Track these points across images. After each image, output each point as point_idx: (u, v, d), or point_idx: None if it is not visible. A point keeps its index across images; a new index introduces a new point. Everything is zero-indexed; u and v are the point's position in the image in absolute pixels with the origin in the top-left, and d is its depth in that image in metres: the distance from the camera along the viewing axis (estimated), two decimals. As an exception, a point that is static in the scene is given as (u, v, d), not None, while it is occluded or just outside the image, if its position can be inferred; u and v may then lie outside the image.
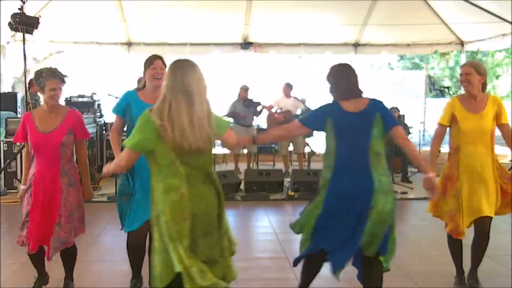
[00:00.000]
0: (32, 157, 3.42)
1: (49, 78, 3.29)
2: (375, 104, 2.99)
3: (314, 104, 8.74)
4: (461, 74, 3.59)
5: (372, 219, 2.85)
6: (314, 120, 3.09)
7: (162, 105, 2.47)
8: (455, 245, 3.72)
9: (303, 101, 8.86)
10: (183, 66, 2.53)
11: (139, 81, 8.15)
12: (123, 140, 2.76)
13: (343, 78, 3.03)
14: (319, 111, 3.07)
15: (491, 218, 3.56)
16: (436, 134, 3.71)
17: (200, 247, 2.49)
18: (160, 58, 3.45)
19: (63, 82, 3.37)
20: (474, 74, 3.52)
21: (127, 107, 3.41)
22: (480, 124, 3.51)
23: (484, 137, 3.52)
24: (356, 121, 2.94)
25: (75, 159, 3.57)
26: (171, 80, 2.50)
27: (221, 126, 2.66)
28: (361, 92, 3.04)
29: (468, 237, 3.64)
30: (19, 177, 7.24)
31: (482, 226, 3.59)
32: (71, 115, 3.45)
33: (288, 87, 8.76)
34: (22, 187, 3.46)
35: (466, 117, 3.55)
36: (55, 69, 3.39)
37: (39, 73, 3.34)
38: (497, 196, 3.56)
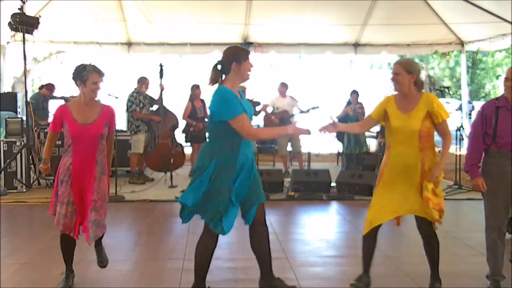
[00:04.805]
0: (68, 147, 3.58)
1: (93, 72, 3.50)
2: None
3: (311, 104, 8.75)
4: (392, 73, 3.53)
5: None
6: None
7: None
8: (366, 241, 3.64)
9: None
10: None
11: (139, 81, 8.26)
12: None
13: None
14: None
15: (427, 219, 3.44)
16: (363, 120, 3.80)
17: None
18: None
19: (103, 78, 3.57)
20: (403, 73, 3.44)
21: None
22: (408, 124, 3.42)
23: (412, 138, 3.41)
24: None
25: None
26: None
27: None
28: None
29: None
30: (19, 177, 7.24)
31: (422, 230, 3.55)
32: (107, 109, 3.66)
33: (284, 86, 8.72)
34: (41, 165, 3.72)
35: (396, 115, 3.49)
36: (96, 65, 3.58)
37: (82, 67, 3.54)
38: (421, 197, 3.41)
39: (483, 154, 3.68)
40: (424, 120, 3.41)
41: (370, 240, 3.59)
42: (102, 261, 3.91)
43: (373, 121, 3.65)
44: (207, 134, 3.46)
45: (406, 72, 3.44)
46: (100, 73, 3.55)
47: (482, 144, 3.66)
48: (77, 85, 3.56)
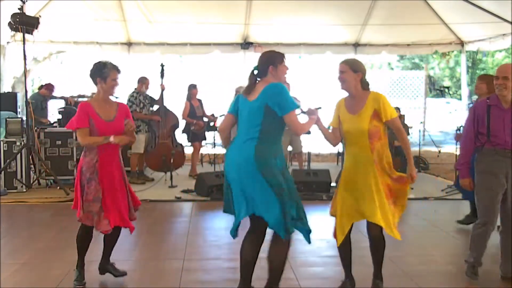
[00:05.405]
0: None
1: (113, 70, 3.61)
2: None
3: (312, 105, 8.74)
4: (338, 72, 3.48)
5: None
6: None
7: None
8: (342, 250, 3.57)
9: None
10: None
11: (139, 81, 8.26)
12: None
13: None
14: None
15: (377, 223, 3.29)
16: (332, 133, 3.63)
17: None
18: None
19: (119, 75, 3.70)
20: (349, 72, 3.38)
21: None
22: (357, 125, 3.36)
23: (362, 139, 3.35)
24: None
25: None
26: None
27: None
28: None
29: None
30: (19, 177, 7.23)
31: (371, 231, 3.44)
32: (122, 106, 3.78)
33: (288, 86, 8.71)
34: (113, 138, 3.55)
35: (346, 118, 3.45)
36: (113, 63, 3.68)
37: (102, 65, 3.60)
38: (380, 200, 3.33)
39: (478, 152, 3.70)
40: (372, 119, 3.34)
41: (345, 247, 3.54)
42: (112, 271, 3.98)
43: (336, 129, 3.57)
44: (237, 132, 3.34)
45: (351, 71, 3.40)
46: (118, 71, 3.65)
47: (473, 143, 3.71)
48: (96, 82, 3.63)
